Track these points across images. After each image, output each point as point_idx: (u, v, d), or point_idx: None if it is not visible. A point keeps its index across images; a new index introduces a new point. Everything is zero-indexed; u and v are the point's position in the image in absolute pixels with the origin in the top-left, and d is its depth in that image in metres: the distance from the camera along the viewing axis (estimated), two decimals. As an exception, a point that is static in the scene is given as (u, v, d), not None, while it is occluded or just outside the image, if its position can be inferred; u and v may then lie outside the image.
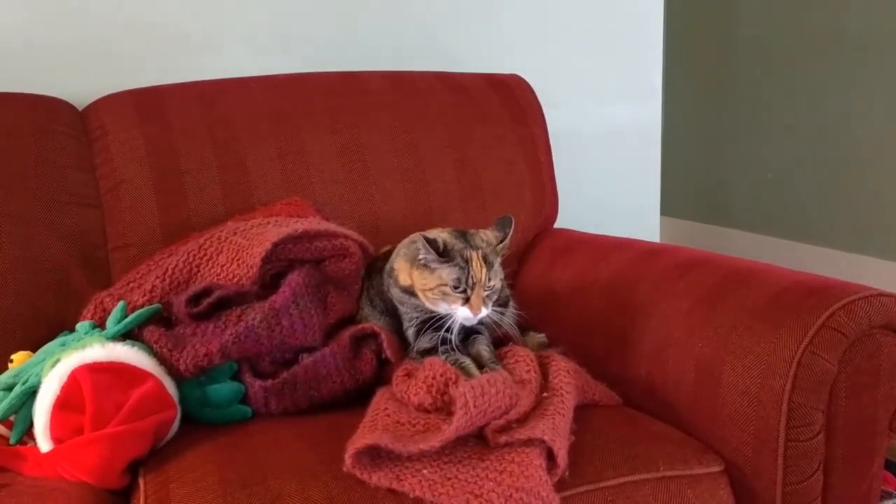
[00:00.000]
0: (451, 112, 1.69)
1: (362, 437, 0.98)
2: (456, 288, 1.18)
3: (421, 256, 1.19)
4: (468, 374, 1.15)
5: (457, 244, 1.20)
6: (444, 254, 1.18)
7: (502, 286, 1.27)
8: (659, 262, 1.38)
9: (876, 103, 2.80)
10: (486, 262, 1.19)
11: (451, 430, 0.99)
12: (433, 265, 1.19)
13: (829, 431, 1.09)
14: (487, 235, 1.25)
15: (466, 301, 1.18)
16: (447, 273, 1.18)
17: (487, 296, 1.20)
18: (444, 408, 1.07)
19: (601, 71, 2.14)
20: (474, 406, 1.01)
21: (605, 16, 2.12)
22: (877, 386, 1.10)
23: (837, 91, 2.91)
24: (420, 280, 1.21)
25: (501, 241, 1.24)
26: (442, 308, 1.20)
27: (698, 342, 1.17)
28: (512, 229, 1.26)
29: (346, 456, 0.97)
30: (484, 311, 1.19)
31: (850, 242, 2.92)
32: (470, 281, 1.18)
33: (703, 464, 1.10)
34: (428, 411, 1.08)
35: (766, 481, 1.09)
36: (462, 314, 1.19)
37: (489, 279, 1.19)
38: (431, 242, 1.18)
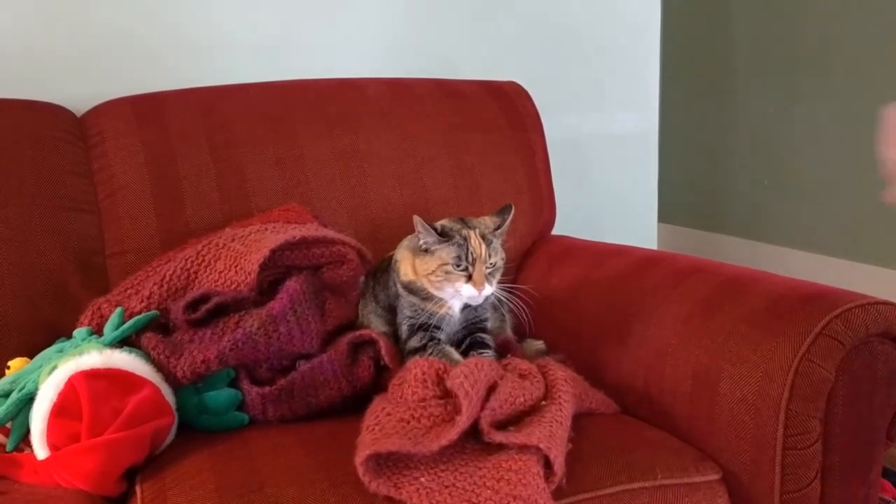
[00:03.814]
0: (449, 119, 1.69)
1: (381, 443, 0.98)
2: (458, 266, 1.20)
3: (421, 241, 1.21)
4: (451, 359, 1.17)
5: (454, 225, 1.24)
6: (442, 234, 1.21)
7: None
8: (656, 270, 1.38)
9: (872, 112, 2.80)
10: (485, 239, 1.22)
11: (462, 419, 1.00)
12: (433, 247, 1.21)
13: (826, 440, 1.08)
14: (485, 220, 1.28)
15: (469, 278, 1.20)
16: (447, 252, 1.20)
17: (490, 273, 1.22)
18: (444, 395, 1.08)
19: (599, 79, 2.14)
20: (474, 392, 1.02)
21: (603, 24, 2.12)
22: (874, 394, 1.10)
23: (833, 99, 2.91)
24: (422, 266, 1.22)
25: (499, 227, 1.26)
26: (447, 292, 1.22)
27: (695, 350, 1.18)
28: (511, 215, 1.28)
29: (363, 454, 0.96)
30: (488, 288, 1.21)
31: (847, 250, 2.92)
32: (470, 257, 1.20)
33: (701, 472, 1.09)
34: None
35: (764, 489, 1.09)
36: (467, 292, 1.21)
37: (489, 255, 1.21)
38: (429, 224, 1.21)
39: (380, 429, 1.02)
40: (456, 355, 1.22)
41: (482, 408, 1.04)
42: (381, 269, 1.36)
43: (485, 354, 1.24)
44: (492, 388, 1.08)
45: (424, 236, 1.21)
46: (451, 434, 0.99)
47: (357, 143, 1.60)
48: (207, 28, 1.74)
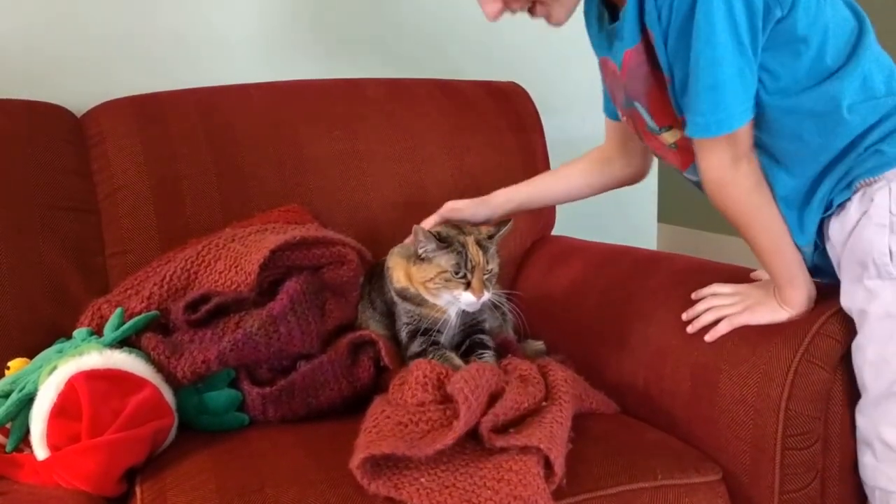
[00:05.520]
0: (449, 119, 1.69)
1: (377, 445, 0.98)
2: (457, 273, 1.20)
3: (421, 248, 1.21)
4: (452, 364, 1.17)
5: (451, 232, 1.24)
6: (442, 240, 1.20)
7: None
8: (656, 270, 1.38)
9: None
10: (482, 246, 1.22)
11: (460, 425, 0.99)
12: (431, 254, 1.21)
13: (826, 440, 1.09)
14: (479, 228, 1.28)
15: (468, 286, 1.20)
16: (446, 260, 1.20)
17: (487, 279, 1.22)
18: (443, 400, 1.07)
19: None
20: (474, 398, 1.02)
21: (603, 23, 2.12)
22: (873, 394, 1.10)
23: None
24: (419, 273, 1.22)
25: (492, 236, 1.26)
26: (444, 299, 1.22)
27: (695, 350, 1.18)
28: (509, 227, 1.28)
29: (357, 458, 0.96)
30: (486, 295, 1.21)
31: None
32: (469, 265, 1.20)
33: (701, 472, 1.09)
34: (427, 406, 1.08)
35: (764, 490, 1.09)
36: (465, 300, 1.21)
37: (487, 262, 1.22)
38: (430, 232, 1.20)
39: (377, 431, 1.03)
40: (457, 360, 1.21)
41: (484, 413, 1.04)
42: (376, 275, 1.36)
43: (485, 355, 1.24)
44: (495, 395, 1.07)
45: (425, 244, 1.20)
46: (447, 439, 0.98)
47: (357, 143, 1.60)
48: (207, 29, 1.74)
